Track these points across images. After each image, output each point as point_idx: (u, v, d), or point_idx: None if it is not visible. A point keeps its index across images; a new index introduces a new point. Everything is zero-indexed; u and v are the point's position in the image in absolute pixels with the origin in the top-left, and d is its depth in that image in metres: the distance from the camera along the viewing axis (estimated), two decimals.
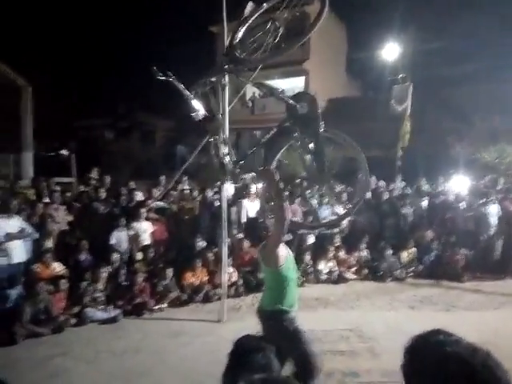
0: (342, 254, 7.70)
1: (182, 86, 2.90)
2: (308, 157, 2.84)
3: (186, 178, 8.97)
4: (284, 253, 3.01)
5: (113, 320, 5.49)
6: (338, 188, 8.98)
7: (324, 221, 3.96)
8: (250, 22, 2.86)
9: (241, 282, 6.89)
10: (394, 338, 4.94)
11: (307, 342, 3.06)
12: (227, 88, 6.00)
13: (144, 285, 6.13)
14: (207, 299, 6.46)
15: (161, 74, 2.84)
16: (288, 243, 7.97)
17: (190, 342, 4.92)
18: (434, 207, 8.63)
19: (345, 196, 7.89)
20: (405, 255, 7.93)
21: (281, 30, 2.69)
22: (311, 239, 8.02)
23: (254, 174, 3.13)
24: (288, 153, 3.03)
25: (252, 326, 5.25)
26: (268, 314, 3.05)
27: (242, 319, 5.78)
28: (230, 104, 6.00)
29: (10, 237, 5.62)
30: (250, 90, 20.08)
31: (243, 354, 1.52)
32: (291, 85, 21.90)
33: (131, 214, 6.96)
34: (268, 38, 2.74)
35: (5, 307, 5.27)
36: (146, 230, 6.98)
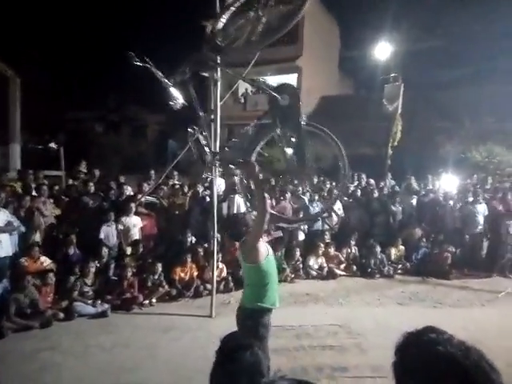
0: (331, 250, 7.75)
1: (159, 74, 2.86)
2: (289, 150, 2.82)
3: (176, 173, 8.91)
4: (264, 248, 2.96)
5: (102, 315, 5.44)
6: (327, 184, 9.05)
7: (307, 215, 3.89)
8: (232, 9, 2.81)
9: (230, 277, 6.89)
10: (382, 333, 5.02)
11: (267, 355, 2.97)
12: (219, 83, 5.97)
13: (133, 280, 6.08)
14: (197, 294, 6.45)
15: (137, 60, 2.78)
16: (278, 240, 8.02)
17: (179, 337, 4.90)
18: (423, 205, 8.74)
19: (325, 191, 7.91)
20: (393, 252, 8.03)
21: (264, 20, 2.64)
22: (301, 236, 8.06)
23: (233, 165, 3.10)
24: (269, 146, 2.98)
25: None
26: (248, 313, 2.97)
27: (232, 314, 5.73)
28: (221, 99, 5.97)
29: None
30: (243, 87, 20.03)
31: (231, 351, 1.49)
32: (284, 81, 21.94)
33: (121, 208, 6.89)
34: (250, 26, 2.70)
35: None
36: (135, 224, 6.92)
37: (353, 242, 7.98)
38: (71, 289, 5.61)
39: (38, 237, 6.13)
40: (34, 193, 6.65)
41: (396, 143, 12.47)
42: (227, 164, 3.06)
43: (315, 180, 9.30)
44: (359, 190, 8.80)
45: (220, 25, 2.75)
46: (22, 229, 5.88)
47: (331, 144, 2.90)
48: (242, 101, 20.89)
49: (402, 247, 8.12)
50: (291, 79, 20.50)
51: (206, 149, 2.97)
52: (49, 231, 6.32)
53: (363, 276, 7.62)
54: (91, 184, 7.14)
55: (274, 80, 21.89)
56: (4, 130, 12.20)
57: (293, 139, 2.75)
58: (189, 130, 3.01)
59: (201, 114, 2.98)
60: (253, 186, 2.78)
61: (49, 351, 4.47)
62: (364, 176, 9.38)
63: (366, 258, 7.74)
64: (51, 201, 6.57)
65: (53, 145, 15.48)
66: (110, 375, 3.99)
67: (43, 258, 5.78)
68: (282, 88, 2.71)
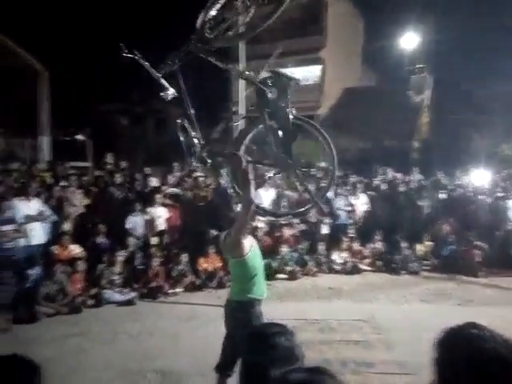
0: (356, 245, 7.66)
1: (148, 65, 2.84)
2: (275, 143, 2.77)
3: (199, 166, 8.96)
4: (249, 241, 2.93)
5: (129, 302, 5.58)
6: (351, 178, 8.89)
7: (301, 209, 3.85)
8: (221, 1, 2.75)
9: None
10: (408, 330, 4.94)
11: None
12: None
13: (159, 269, 6.20)
14: (221, 285, 6.51)
15: (126, 51, 2.78)
16: (302, 233, 7.99)
17: (203, 326, 4.97)
18: (452, 200, 8.50)
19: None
20: (420, 248, 7.85)
21: (252, 10, 2.60)
22: (325, 229, 7.99)
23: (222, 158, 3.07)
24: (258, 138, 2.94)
25: (263, 311, 5.32)
26: (235, 305, 2.98)
27: None
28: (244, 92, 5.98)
29: (28, 219, 5.73)
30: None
31: (267, 337, 1.50)
32: (307, 73, 21.64)
33: (146, 199, 7.01)
34: (238, 17, 2.69)
35: (25, 287, 5.39)
36: (160, 215, 7.03)
37: (378, 237, 7.85)
38: (100, 277, 5.78)
39: (68, 226, 6.32)
40: (63, 183, 6.85)
41: (423, 136, 12.15)
42: (215, 156, 2.99)
43: (337, 173, 9.18)
44: (384, 184, 8.62)
45: (209, 17, 2.73)
46: (54, 218, 6.07)
47: (320, 139, 2.87)
48: None
49: (428, 243, 7.93)
50: (314, 71, 20.25)
51: (195, 140, 2.93)
52: (78, 220, 6.50)
53: (388, 272, 7.49)
54: (117, 175, 7.29)
55: (296, 72, 21.69)
56: (34, 123, 12.57)
57: (280, 132, 2.72)
58: (177, 121, 3.01)
59: (189, 107, 2.95)
60: (239, 179, 2.73)
61: (78, 337, 4.63)
62: (390, 170, 9.19)
63: (391, 254, 7.60)
64: (80, 191, 6.75)
65: (80, 137, 15.85)
66: (135, 361, 4.09)
67: (73, 247, 5.96)
68: (270, 81, 2.68)
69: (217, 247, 6.90)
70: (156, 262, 6.21)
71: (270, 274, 6.96)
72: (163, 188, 7.45)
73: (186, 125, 2.93)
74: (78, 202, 6.58)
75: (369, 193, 8.48)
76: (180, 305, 5.77)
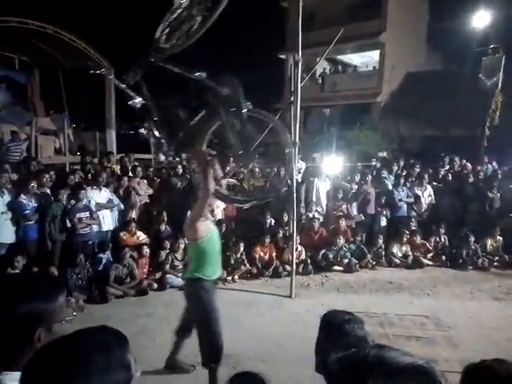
0: (418, 238, 7.31)
1: (115, 79, 3.25)
2: (233, 136, 2.99)
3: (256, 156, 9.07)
4: (204, 227, 3.20)
5: None
6: (416, 168, 8.45)
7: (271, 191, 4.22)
8: (176, 13, 3.00)
9: (309, 260, 6.90)
10: (475, 328, 4.69)
11: (211, 317, 3.29)
12: (300, 64, 5.88)
13: None
14: (276, 275, 6.59)
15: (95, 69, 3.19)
16: (359, 224, 7.81)
17: (261, 314, 5.09)
18: None
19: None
20: (489, 243, 7.32)
21: (198, 19, 2.80)
22: (384, 221, 7.73)
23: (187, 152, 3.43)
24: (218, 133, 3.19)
25: (321, 303, 5.31)
26: (187, 282, 3.41)
27: (311, 296, 5.83)
28: (302, 81, 5.88)
29: (99, 206, 6.21)
30: (321, 66, 19.47)
31: (338, 324, 1.56)
32: (366, 59, 20.83)
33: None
34: (186, 25, 2.88)
35: (97, 270, 5.87)
36: (218, 205, 7.20)
37: (442, 231, 7.43)
38: (163, 262, 6.11)
39: (134, 214, 6.74)
40: (130, 174, 7.30)
41: (495, 123, 11.18)
42: (182, 153, 3.37)
43: (401, 163, 8.79)
44: (451, 175, 8.10)
45: (163, 28, 3.00)
46: (121, 206, 6.51)
47: (276, 129, 3.09)
48: (320, 82, 20.34)
49: (499, 238, 7.36)
50: (374, 56, 19.43)
51: (162, 140, 3.26)
52: (143, 209, 6.90)
53: (453, 267, 7.07)
54: (179, 166, 7.60)
55: (354, 58, 20.95)
56: (102, 117, 13.46)
57: (236, 126, 2.95)
58: (144, 125, 3.39)
59: (154, 113, 3.26)
60: (200, 171, 3.05)
61: (146, 317, 4.95)
62: (457, 159, 8.61)
63: (457, 248, 7.16)
64: (145, 181, 7.15)
65: (142, 130, 16.76)
66: (196, 345, 4.28)
67: (139, 233, 6.35)
68: (223, 79, 2.95)
69: (273, 237, 7.00)
70: None
71: (326, 266, 6.92)
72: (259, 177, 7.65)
73: (153, 126, 3.27)
74: (143, 191, 6.98)
75: (434, 183, 8.03)
76: (238, 292, 5.94)
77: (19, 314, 1.01)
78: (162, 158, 3.57)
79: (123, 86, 3.15)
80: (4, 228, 5.43)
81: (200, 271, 3.28)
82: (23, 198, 5.56)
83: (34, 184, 5.69)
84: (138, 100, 3.24)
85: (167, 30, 2.99)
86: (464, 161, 8.54)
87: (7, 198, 5.55)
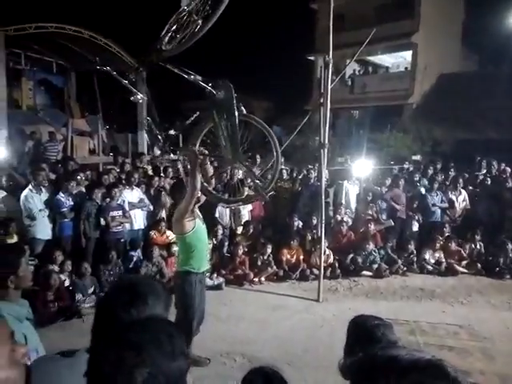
0: (452, 244, 7.05)
1: (116, 74, 3.30)
2: (224, 138, 3.08)
3: (283, 158, 9.05)
4: (191, 222, 3.39)
5: (217, 287, 5.91)
6: (450, 172, 8.17)
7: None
8: (178, 16, 3.13)
9: (337, 264, 6.81)
10: None
11: (189, 311, 3.51)
12: (331, 65, 5.82)
13: (244, 258, 6.45)
14: (303, 278, 6.54)
15: (100, 65, 3.48)
16: (389, 229, 7.62)
17: (288, 317, 5.06)
18: None
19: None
20: None
21: (200, 22, 2.89)
22: (415, 226, 7.52)
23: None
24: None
25: (349, 308, 5.22)
26: (175, 273, 3.68)
27: (339, 300, 5.75)
28: (331, 83, 5.82)
29: (131, 206, 6.36)
30: (351, 68, 19.20)
31: (368, 329, 1.55)
32: (397, 60, 20.39)
33: (232, 190, 7.28)
34: (188, 28, 2.98)
35: (128, 267, 6.02)
36: (245, 206, 7.25)
37: (478, 237, 7.13)
38: None
39: (163, 213, 6.87)
40: (161, 175, 7.43)
41: None
42: (175, 150, 3.54)
43: (437, 166, 8.51)
44: (489, 179, 7.77)
45: (166, 30, 3.14)
46: (151, 207, 6.64)
47: (265, 133, 3.15)
48: (349, 83, 20.07)
49: None
50: (406, 56, 19.00)
51: (159, 137, 3.37)
52: (172, 209, 7.00)
53: (489, 275, 6.77)
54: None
55: (386, 58, 20.52)
56: (134, 120, 13.81)
57: (228, 128, 3.04)
58: (144, 120, 3.59)
59: (152, 110, 3.42)
60: (190, 168, 3.17)
61: (172, 314, 5.02)
62: (494, 163, 8.25)
63: (494, 256, 6.85)
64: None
65: (172, 132, 17.08)
66: (226, 344, 4.32)
67: (168, 233, 6.46)
68: (218, 84, 3.03)
69: (300, 240, 6.96)
70: (241, 251, 6.46)
71: (355, 270, 6.80)
72: (248, 180, 7.65)
73: (151, 123, 3.39)
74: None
75: (471, 188, 7.73)
76: (265, 293, 5.93)
77: None
78: (158, 152, 3.82)
79: (125, 81, 3.33)
80: (42, 225, 5.66)
81: (188, 264, 3.50)
82: (61, 196, 5.78)
83: (72, 183, 5.91)
84: (140, 96, 3.44)
85: (171, 32, 3.14)
86: (503, 164, 8.18)
87: (45, 195, 5.78)
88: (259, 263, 6.51)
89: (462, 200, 7.53)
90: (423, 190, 7.59)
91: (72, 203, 5.87)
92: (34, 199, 5.62)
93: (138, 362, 0.75)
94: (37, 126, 11.19)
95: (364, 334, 1.55)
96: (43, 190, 5.79)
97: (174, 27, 3.16)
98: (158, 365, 0.77)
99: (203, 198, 3.58)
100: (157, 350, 0.78)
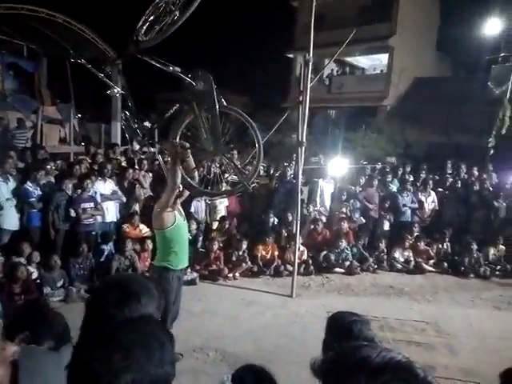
0: (421, 244, 7.29)
1: (92, 68, 3.31)
2: (205, 130, 3.09)
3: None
4: (170, 218, 3.31)
5: (191, 282, 5.85)
6: (421, 174, 8.42)
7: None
8: (155, 7, 3.10)
9: (311, 261, 6.90)
10: (476, 336, 4.70)
11: (167, 306, 3.39)
12: (311, 64, 5.85)
13: (219, 253, 6.42)
14: (277, 274, 6.59)
15: (76, 57, 3.44)
16: (361, 227, 7.79)
17: (261, 312, 5.09)
18: None
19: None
20: (492, 252, 7.29)
21: (177, 13, 2.87)
22: (386, 226, 7.73)
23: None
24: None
25: (322, 304, 5.31)
26: (153, 268, 3.60)
27: (312, 297, 5.83)
28: (311, 82, 5.85)
29: (104, 198, 6.19)
30: (329, 67, 19.40)
31: (346, 325, 1.58)
32: (374, 62, 20.75)
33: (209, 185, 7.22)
34: (165, 20, 2.95)
35: (99, 260, 5.87)
36: (222, 201, 7.22)
37: (446, 237, 7.40)
38: None
39: (137, 206, 6.72)
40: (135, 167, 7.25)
41: (504, 132, 11.13)
42: (155, 143, 3.58)
43: (407, 168, 8.75)
44: (458, 182, 8.07)
45: (143, 21, 3.11)
46: (123, 199, 6.48)
47: (248, 126, 3.14)
48: (327, 82, 20.27)
49: (502, 247, 7.33)
50: (382, 59, 19.36)
51: (138, 131, 3.40)
52: (146, 202, 6.88)
53: (455, 274, 7.05)
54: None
55: (363, 60, 20.79)
56: (108, 110, 13.43)
57: (209, 120, 3.04)
58: (121, 114, 3.50)
59: (129, 103, 3.41)
60: (170, 162, 3.13)
61: None
62: (463, 166, 8.58)
63: (459, 256, 7.14)
64: (150, 175, 7.13)
65: (147, 123, 16.73)
66: (199, 338, 4.30)
67: (142, 226, 6.34)
68: (198, 75, 3.00)
69: (276, 236, 6.99)
70: (216, 246, 6.43)
71: (328, 267, 6.92)
72: (225, 176, 7.61)
73: (129, 116, 3.39)
74: (148, 184, 6.96)
75: (440, 190, 8.00)
76: (239, 289, 5.93)
77: None
78: (137, 146, 3.77)
79: (102, 75, 3.29)
80: (9, 215, 5.44)
81: (166, 260, 3.41)
82: (29, 186, 5.56)
83: (41, 172, 5.69)
84: (117, 89, 3.41)
85: (147, 23, 3.09)
86: (476, 168, 8.52)
87: (12, 184, 5.55)
88: (234, 259, 6.50)
89: (431, 201, 7.79)
90: (395, 191, 7.80)
91: (41, 193, 5.66)
92: (0, 188, 5.38)
93: (124, 365, 0.73)
94: (5, 111, 10.72)
95: (341, 330, 1.58)
96: (10, 178, 5.55)
97: (151, 18, 3.10)
98: (144, 371, 0.74)
99: (186, 193, 3.52)
100: (145, 355, 0.76)
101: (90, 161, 7.15)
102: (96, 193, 6.06)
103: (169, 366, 0.79)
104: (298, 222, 5.92)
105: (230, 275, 6.29)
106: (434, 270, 7.17)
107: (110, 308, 0.97)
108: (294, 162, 7.65)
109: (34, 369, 1.03)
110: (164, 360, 0.78)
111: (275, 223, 7.39)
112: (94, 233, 6.10)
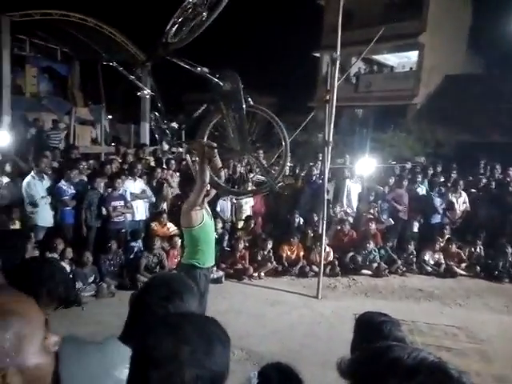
0: (452, 247, 7.07)
1: (123, 71, 3.32)
2: (232, 129, 3.08)
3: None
4: (199, 216, 3.29)
5: (217, 281, 5.91)
6: (452, 174, 8.16)
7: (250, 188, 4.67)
8: (183, 10, 3.11)
9: (337, 262, 6.82)
10: (510, 343, 4.48)
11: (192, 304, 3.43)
12: (338, 62, 5.79)
13: (244, 252, 6.46)
14: (302, 274, 6.56)
15: (108, 60, 3.34)
16: (390, 228, 7.61)
17: (287, 312, 5.08)
18: None
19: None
20: None
21: (205, 14, 2.86)
22: (415, 227, 7.53)
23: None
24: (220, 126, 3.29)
25: (348, 306, 5.24)
26: (182, 267, 3.57)
27: (338, 298, 5.77)
28: (338, 80, 5.79)
29: (133, 196, 6.36)
30: (356, 66, 19.10)
31: (375, 326, 1.55)
32: (403, 60, 20.29)
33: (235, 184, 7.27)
34: (193, 21, 2.96)
35: (129, 257, 6.03)
36: (247, 201, 7.25)
37: (479, 240, 7.15)
38: None
39: (165, 205, 6.86)
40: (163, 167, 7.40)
41: None
42: (183, 143, 3.58)
43: (438, 169, 8.50)
44: (492, 183, 7.77)
45: (171, 24, 3.12)
46: (153, 199, 6.63)
47: (275, 125, 3.13)
48: (354, 81, 19.97)
49: None
50: (412, 57, 18.89)
51: (167, 131, 3.39)
52: (174, 201, 7.00)
53: (488, 278, 6.79)
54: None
55: (391, 58, 20.37)
56: (137, 110, 13.77)
57: (236, 120, 3.02)
58: (151, 115, 3.55)
59: (159, 104, 3.43)
60: (199, 160, 3.12)
61: None
62: (498, 167, 8.24)
63: (493, 259, 6.88)
64: (177, 174, 7.26)
65: (174, 124, 17.04)
66: None
67: (170, 224, 6.46)
68: (225, 75, 3.01)
69: (301, 236, 6.96)
70: (242, 246, 6.47)
71: (354, 269, 6.82)
72: (250, 175, 7.63)
73: (158, 117, 3.40)
74: (176, 183, 7.09)
75: (473, 191, 7.73)
76: (264, 288, 5.95)
77: None
78: (166, 147, 3.80)
79: (132, 77, 3.32)
80: (43, 212, 5.66)
81: (194, 258, 3.43)
82: (63, 184, 5.78)
83: (74, 171, 5.90)
84: (147, 91, 3.46)
85: (176, 25, 3.12)
86: (500, 168, 8.18)
87: (47, 183, 5.78)
88: (259, 258, 6.53)
89: (462, 202, 7.53)
90: (425, 192, 7.59)
91: (74, 191, 5.87)
92: (36, 186, 5.62)
93: (191, 359, 0.76)
94: (40, 113, 11.15)
95: (371, 331, 1.56)
96: (45, 177, 5.79)
97: (180, 20, 3.14)
98: (206, 368, 0.77)
99: (213, 192, 3.55)
100: (209, 353, 0.79)
101: (120, 160, 7.36)
102: (126, 191, 6.22)
103: (225, 367, 0.83)
104: (324, 222, 5.87)
105: (255, 274, 6.31)
106: (465, 273, 6.94)
107: (154, 305, 1.03)
108: (319, 162, 7.59)
109: (75, 361, 1.05)
110: (223, 360, 0.81)
111: (301, 223, 7.35)
112: (123, 230, 6.27)
